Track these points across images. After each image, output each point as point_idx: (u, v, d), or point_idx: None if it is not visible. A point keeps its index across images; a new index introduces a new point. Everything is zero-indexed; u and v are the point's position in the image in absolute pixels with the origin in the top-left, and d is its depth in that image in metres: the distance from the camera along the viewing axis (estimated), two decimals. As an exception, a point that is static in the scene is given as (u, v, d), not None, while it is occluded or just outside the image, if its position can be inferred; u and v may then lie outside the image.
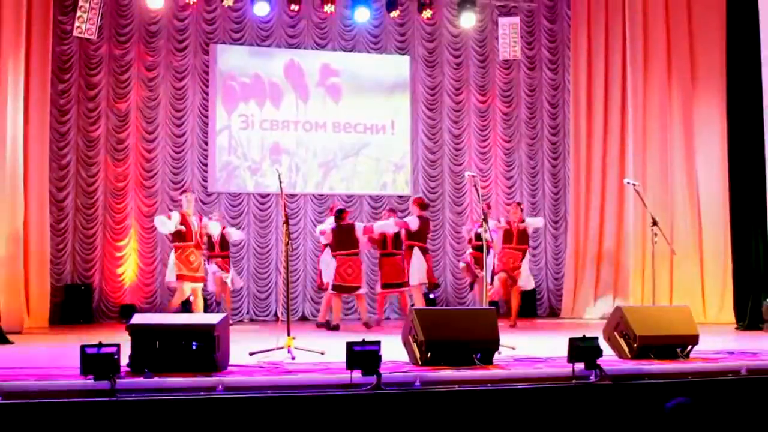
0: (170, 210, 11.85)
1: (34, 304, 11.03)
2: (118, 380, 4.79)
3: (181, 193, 10.41)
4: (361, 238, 10.85)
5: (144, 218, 12.69)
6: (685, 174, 11.83)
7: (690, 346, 6.55)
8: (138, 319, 5.82)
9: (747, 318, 10.48)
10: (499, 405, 5.18)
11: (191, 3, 12.72)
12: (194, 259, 9.92)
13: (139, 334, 5.55)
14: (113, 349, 4.90)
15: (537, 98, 14.32)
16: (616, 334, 6.56)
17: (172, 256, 10.03)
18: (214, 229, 10.77)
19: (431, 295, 13.18)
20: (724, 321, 11.00)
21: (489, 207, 12.68)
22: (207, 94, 13.13)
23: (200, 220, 10.38)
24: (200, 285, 10.16)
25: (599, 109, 13.28)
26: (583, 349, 5.50)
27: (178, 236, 9.91)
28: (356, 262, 10.80)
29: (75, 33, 12.04)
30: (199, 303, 10.10)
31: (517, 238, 11.07)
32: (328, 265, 10.94)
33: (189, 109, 13.03)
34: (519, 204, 11.54)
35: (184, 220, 9.95)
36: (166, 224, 9.98)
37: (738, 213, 11.21)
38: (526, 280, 11.19)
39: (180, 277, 9.83)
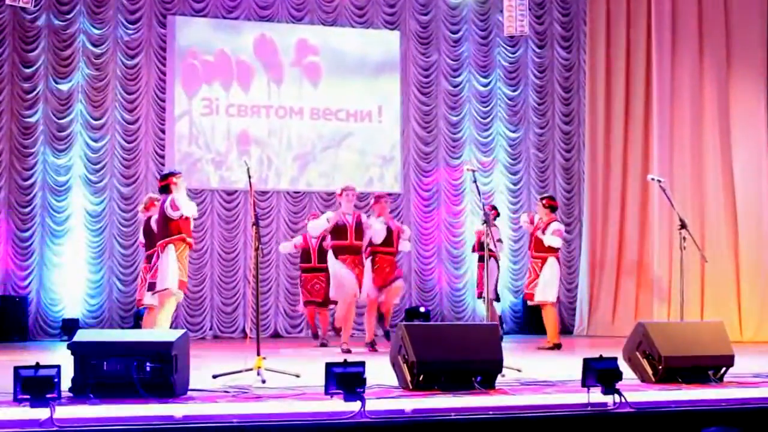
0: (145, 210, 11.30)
1: (-40, 318, 11.00)
2: (57, 407, 4.77)
3: (177, 176, 8.79)
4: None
5: (90, 218, 12.65)
6: (720, 169, 11.88)
7: (724, 369, 6.57)
8: (82, 336, 5.80)
9: (791, 336, 10.58)
10: (502, 436, 5.19)
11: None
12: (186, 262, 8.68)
13: (83, 353, 5.53)
14: (53, 371, 4.89)
15: (547, 81, 14.37)
16: (638, 354, 6.58)
17: (172, 254, 8.53)
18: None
19: (422, 309, 13.23)
20: (764, 339, 11.06)
21: (496, 211, 11.79)
22: (164, 74, 13.11)
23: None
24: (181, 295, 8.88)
25: (620, 94, 13.32)
26: (599, 372, 5.52)
27: (185, 225, 8.65)
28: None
29: (7, 0, 11.98)
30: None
31: (534, 244, 10.48)
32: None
33: (143, 91, 13.01)
34: (548, 199, 10.70)
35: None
36: (190, 206, 8.70)
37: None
38: (542, 291, 10.37)
39: (182, 284, 8.59)
